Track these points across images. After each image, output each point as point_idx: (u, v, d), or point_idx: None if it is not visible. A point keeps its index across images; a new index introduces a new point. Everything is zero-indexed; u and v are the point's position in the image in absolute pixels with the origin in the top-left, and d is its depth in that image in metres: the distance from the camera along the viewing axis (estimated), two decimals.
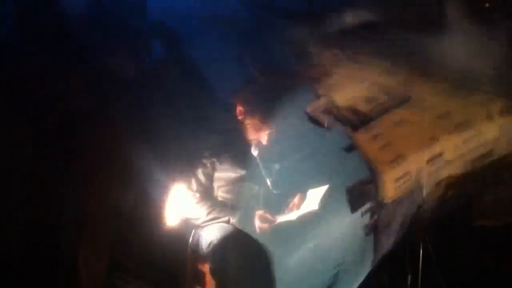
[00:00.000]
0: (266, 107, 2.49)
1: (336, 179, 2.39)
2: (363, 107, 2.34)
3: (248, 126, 2.54)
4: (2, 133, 2.34)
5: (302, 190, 2.52)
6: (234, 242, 2.38)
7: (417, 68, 2.43)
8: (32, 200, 2.35)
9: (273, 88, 2.51)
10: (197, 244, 2.49)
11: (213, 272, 2.40)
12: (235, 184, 2.55)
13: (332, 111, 2.34)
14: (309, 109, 2.34)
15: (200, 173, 2.53)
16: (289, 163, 2.59)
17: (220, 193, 2.56)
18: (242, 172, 2.54)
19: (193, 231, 2.52)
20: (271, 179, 2.55)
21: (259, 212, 2.48)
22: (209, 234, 2.45)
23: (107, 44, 2.43)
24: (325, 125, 2.33)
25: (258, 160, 2.54)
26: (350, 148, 2.30)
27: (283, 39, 2.57)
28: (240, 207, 2.52)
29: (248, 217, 2.50)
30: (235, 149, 2.55)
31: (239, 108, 2.54)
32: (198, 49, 2.69)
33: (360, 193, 2.29)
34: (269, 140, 2.52)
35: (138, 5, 2.59)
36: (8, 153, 2.34)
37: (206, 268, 2.48)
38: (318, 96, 2.40)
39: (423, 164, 2.27)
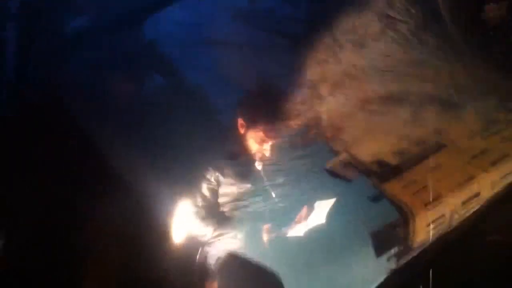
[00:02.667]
0: (267, 118, 2.46)
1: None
2: (392, 160, 2.25)
3: (250, 139, 2.51)
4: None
5: (309, 203, 2.47)
6: (241, 257, 2.35)
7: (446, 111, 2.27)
8: (41, 225, 2.40)
9: (273, 100, 2.47)
10: (204, 261, 2.47)
11: None
12: (240, 199, 2.52)
13: (355, 165, 2.27)
14: (328, 165, 2.28)
15: (204, 189, 2.52)
16: (295, 175, 2.55)
17: (226, 208, 2.54)
18: (246, 186, 2.51)
19: (200, 248, 2.50)
20: (276, 192, 2.50)
21: (266, 226, 2.44)
22: (217, 251, 2.42)
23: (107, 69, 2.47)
24: (348, 178, 2.25)
25: (262, 174, 2.50)
26: (378, 197, 2.23)
27: (281, 60, 2.53)
28: (246, 222, 2.49)
29: (255, 232, 2.46)
30: (239, 163, 2.52)
31: (240, 122, 2.52)
32: (198, 69, 2.70)
33: (386, 237, 2.21)
34: (272, 151, 2.48)
35: (135, 30, 2.62)
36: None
37: (214, 285, 2.45)
38: (335, 153, 2.32)
39: (459, 206, 2.18)
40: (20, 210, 2.42)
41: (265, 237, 2.43)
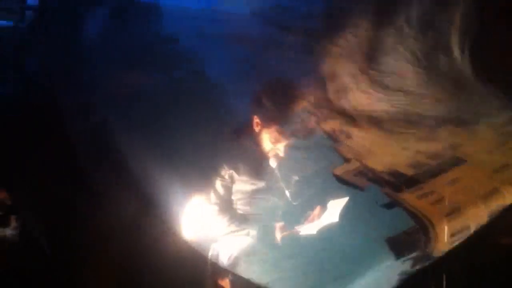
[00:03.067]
0: (282, 118, 2.47)
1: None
2: (407, 171, 2.22)
3: (265, 137, 2.52)
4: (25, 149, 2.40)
5: (322, 202, 2.48)
6: (254, 255, 2.35)
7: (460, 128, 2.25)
8: (46, 217, 2.39)
9: (288, 99, 2.49)
10: (216, 258, 2.47)
11: (234, 286, 2.37)
12: (253, 197, 2.53)
13: (366, 174, 2.24)
14: (337, 172, 2.26)
15: (218, 186, 2.52)
16: (308, 174, 2.55)
17: (239, 206, 2.54)
18: (260, 184, 2.52)
19: (213, 244, 2.50)
20: (290, 191, 2.51)
21: (279, 224, 2.44)
22: (229, 247, 2.42)
23: (122, 60, 2.47)
24: (358, 186, 2.23)
25: (276, 172, 2.51)
26: (391, 205, 2.21)
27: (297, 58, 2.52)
28: (259, 220, 2.49)
29: (268, 230, 2.46)
30: (253, 161, 2.53)
31: (255, 120, 2.54)
32: (215, 65, 2.71)
33: (404, 242, 2.20)
34: (286, 151, 2.50)
35: (153, 23, 2.63)
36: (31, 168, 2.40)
37: (226, 282, 2.45)
38: (345, 160, 2.29)
39: (484, 218, 2.15)
40: (21, 210, 2.40)
41: (278, 235, 2.43)
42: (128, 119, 2.44)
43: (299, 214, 2.51)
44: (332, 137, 2.38)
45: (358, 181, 2.28)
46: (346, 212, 2.35)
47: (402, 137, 2.30)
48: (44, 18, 2.67)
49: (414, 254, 2.17)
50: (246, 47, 2.59)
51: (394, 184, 2.23)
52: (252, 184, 2.52)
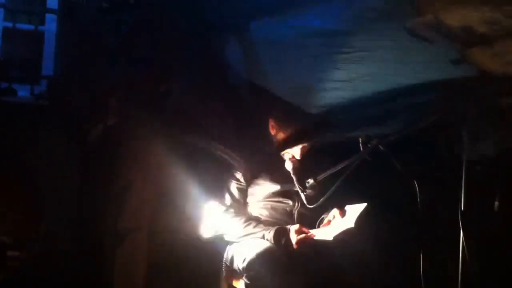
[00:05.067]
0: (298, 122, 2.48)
1: None
2: (480, 28, 2.13)
3: (281, 141, 2.53)
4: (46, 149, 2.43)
5: (338, 206, 2.46)
6: (269, 258, 2.34)
7: None
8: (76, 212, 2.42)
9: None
10: (231, 260, 2.47)
11: None
12: (269, 199, 2.53)
13: (439, 28, 2.15)
14: (410, 25, 2.14)
15: (234, 188, 2.53)
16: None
17: (254, 209, 2.55)
18: (276, 187, 2.52)
19: (227, 247, 2.50)
20: (305, 194, 2.51)
21: (294, 227, 2.43)
22: (244, 250, 2.42)
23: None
24: (429, 39, 2.12)
25: (292, 175, 2.51)
26: (459, 61, 2.08)
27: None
28: (274, 223, 2.49)
29: (283, 233, 2.44)
30: (269, 164, 2.54)
31: (272, 123, 2.55)
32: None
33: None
34: (302, 154, 2.50)
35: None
36: (52, 168, 2.43)
37: (240, 284, 2.44)
38: (420, 12, 2.19)
39: None
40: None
41: (293, 238, 2.42)
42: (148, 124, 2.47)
43: (314, 217, 2.51)
44: None
45: (429, 34, 2.15)
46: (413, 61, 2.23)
47: None
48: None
49: None
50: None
51: (466, 39, 2.12)
52: (268, 187, 2.52)
